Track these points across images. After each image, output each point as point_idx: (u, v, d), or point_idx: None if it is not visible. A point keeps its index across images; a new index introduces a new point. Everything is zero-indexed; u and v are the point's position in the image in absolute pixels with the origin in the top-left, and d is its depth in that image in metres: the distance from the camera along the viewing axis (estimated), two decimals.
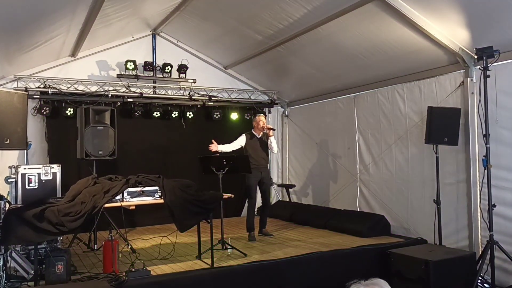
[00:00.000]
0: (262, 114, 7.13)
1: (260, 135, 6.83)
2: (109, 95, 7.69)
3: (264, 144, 6.82)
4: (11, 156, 6.78)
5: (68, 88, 7.44)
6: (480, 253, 5.35)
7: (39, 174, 5.59)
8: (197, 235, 5.64)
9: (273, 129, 6.91)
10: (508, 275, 5.25)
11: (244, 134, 6.89)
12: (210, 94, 8.72)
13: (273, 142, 6.81)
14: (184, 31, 8.07)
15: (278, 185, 9.66)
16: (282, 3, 5.93)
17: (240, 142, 6.80)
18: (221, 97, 8.87)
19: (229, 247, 5.75)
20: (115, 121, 6.78)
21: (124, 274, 4.53)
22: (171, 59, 8.21)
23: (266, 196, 6.89)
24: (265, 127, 6.78)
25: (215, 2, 6.54)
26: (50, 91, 7.24)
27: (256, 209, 9.30)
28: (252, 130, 6.90)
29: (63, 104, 7.34)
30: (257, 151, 6.75)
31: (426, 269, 4.86)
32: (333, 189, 8.30)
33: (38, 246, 4.63)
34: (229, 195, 5.68)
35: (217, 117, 8.68)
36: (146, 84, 8.16)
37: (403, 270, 5.20)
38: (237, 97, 9.06)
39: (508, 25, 4.91)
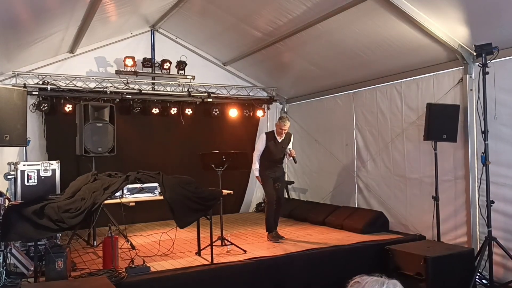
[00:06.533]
0: (287, 120, 6.52)
1: (281, 140, 6.49)
2: (108, 92, 7.67)
3: (282, 149, 6.51)
4: (10, 153, 6.75)
5: (67, 84, 7.41)
6: (479, 249, 5.38)
7: (38, 170, 5.60)
8: (196, 232, 5.65)
9: (295, 161, 6.59)
10: (506, 271, 5.28)
11: (264, 135, 6.61)
12: (209, 90, 8.71)
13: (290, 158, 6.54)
14: (183, 28, 8.05)
15: None
16: (282, 0, 5.92)
17: (261, 147, 6.49)
18: (220, 94, 8.86)
19: (228, 243, 5.76)
20: (114, 118, 6.78)
21: (124, 270, 4.56)
22: (170, 56, 8.18)
23: (279, 194, 6.56)
24: (291, 153, 6.41)
25: None
26: (49, 87, 7.21)
27: (254, 206, 9.42)
28: (274, 131, 6.56)
29: (62, 101, 7.32)
30: (274, 153, 6.46)
31: (424, 265, 4.89)
32: (332, 186, 8.32)
33: (38, 243, 4.64)
34: (229, 191, 5.70)
35: (216, 113, 8.68)
36: (145, 81, 8.14)
37: (401, 266, 5.23)
38: (236, 93, 9.05)
39: (507, 22, 4.91)
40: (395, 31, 5.76)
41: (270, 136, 6.57)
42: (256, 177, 6.56)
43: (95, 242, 6.10)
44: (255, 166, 6.48)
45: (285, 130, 6.45)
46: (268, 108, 9.47)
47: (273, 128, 6.86)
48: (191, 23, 7.67)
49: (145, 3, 6.96)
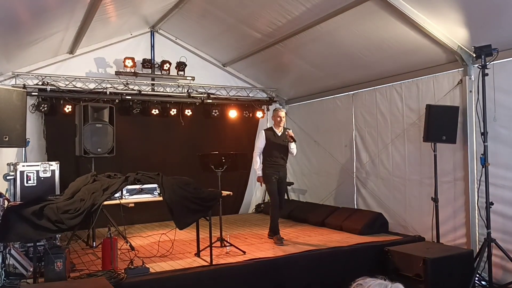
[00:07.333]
0: (282, 109, 6.53)
1: (280, 133, 6.47)
2: (108, 93, 7.67)
3: (284, 142, 6.42)
4: (9, 153, 6.75)
5: (67, 85, 7.41)
6: (478, 250, 5.39)
7: (37, 171, 5.60)
8: (196, 233, 5.65)
9: (295, 141, 6.39)
10: (506, 272, 5.28)
11: (263, 132, 6.53)
12: (209, 91, 8.71)
13: (293, 149, 6.43)
14: (182, 29, 8.05)
15: None
16: (281, 1, 5.92)
17: (261, 144, 6.42)
18: (219, 95, 8.87)
19: (227, 244, 5.76)
20: (114, 119, 6.77)
21: (123, 271, 4.55)
22: (170, 57, 8.19)
23: (281, 196, 6.52)
24: (288, 135, 6.35)
25: (214, 0, 6.52)
26: (48, 88, 7.20)
27: (254, 207, 9.42)
28: (273, 126, 6.56)
29: (61, 101, 7.31)
30: (276, 149, 6.37)
31: (424, 266, 4.89)
32: (331, 187, 8.32)
33: (37, 244, 4.63)
34: (228, 192, 5.70)
35: (215, 114, 8.68)
36: (145, 82, 8.13)
37: (401, 267, 5.24)
38: (236, 94, 9.05)
39: (506, 24, 4.92)
40: (395, 33, 5.77)
41: (269, 130, 6.58)
42: (258, 177, 6.47)
43: (94, 243, 6.10)
44: (257, 165, 6.43)
45: (282, 117, 6.48)
46: (268, 109, 9.45)
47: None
48: (191, 24, 7.68)
49: (145, 4, 6.96)
